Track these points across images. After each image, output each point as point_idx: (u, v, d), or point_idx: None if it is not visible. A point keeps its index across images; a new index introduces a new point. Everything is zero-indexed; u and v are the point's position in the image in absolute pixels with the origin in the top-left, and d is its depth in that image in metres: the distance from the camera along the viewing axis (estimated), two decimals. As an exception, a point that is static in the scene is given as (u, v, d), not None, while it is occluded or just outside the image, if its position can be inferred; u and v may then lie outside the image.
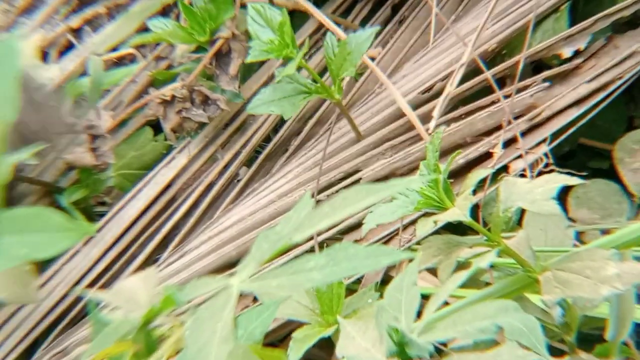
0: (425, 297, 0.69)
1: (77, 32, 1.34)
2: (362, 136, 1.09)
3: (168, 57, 1.26)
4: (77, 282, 1.04)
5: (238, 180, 1.14)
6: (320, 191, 1.07)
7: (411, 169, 1.06)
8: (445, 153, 1.04)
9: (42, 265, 1.03)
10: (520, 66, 1.05)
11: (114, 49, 1.29)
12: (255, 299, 0.95)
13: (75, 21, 1.33)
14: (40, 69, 1.02)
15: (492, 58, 1.13)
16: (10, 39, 0.62)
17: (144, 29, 1.27)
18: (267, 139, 1.18)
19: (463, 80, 1.07)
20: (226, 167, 1.15)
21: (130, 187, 1.13)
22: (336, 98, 1.03)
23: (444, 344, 0.65)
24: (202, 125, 1.16)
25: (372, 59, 1.18)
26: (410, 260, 0.75)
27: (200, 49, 1.19)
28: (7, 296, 0.90)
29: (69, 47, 1.33)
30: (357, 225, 1.03)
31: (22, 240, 0.56)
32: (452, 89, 1.06)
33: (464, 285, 0.72)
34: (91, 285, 1.01)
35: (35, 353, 1.02)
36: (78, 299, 1.03)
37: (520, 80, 1.06)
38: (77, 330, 1.02)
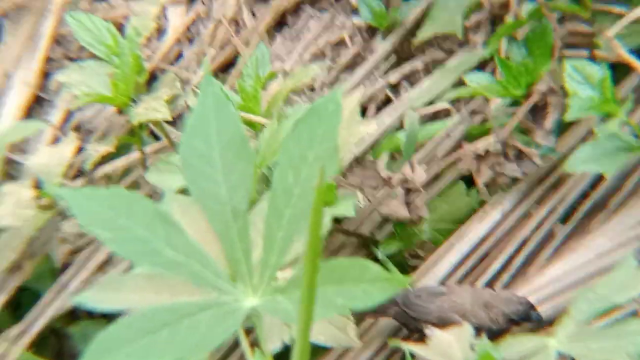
0: None
1: (394, 87, 1.39)
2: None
3: (482, 111, 1.26)
4: (394, 334, 1.06)
5: (553, 238, 1.11)
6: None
7: None
8: None
9: (359, 318, 1.06)
10: None
11: (430, 103, 1.32)
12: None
13: (394, 77, 1.38)
14: (359, 124, 1.06)
15: None
16: (334, 95, 0.66)
17: (459, 83, 1.29)
18: (584, 195, 1.14)
19: None
20: (541, 223, 1.12)
21: (443, 241, 1.14)
22: (662, 154, 0.98)
23: None
24: (515, 180, 1.14)
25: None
26: None
27: (514, 102, 1.18)
28: (325, 339, 0.93)
29: (387, 102, 1.38)
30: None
31: (339, 290, 0.58)
32: None
33: None
34: (406, 338, 1.02)
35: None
36: (394, 352, 1.05)
37: None
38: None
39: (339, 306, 0.58)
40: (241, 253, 0.64)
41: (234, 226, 0.65)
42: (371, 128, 1.12)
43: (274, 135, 1.02)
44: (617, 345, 0.54)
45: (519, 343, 0.57)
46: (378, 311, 1.02)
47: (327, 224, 0.94)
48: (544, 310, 1.01)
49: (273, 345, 0.89)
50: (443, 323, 0.98)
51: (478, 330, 0.93)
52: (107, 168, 1.31)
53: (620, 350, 0.54)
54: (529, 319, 0.96)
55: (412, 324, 1.02)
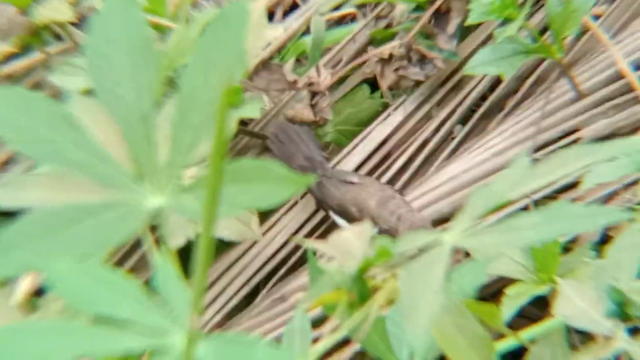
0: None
1: (302, -8, 1.38)
2: (583, 95, 1.06)
3: (388, 16, 1.27)
4: (296, 232, 1.09)
5: (452, 138, 1.14)
6: (537, 150, 1.05)
7: (635, 129, 1.02)
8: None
9: (264, 216, 1.08)
10: None
11: (336, 9, 1.32)
12: (467, 254, 0.95)
13: (301, -18, 1.37)
14: (266, 29, 1.06)
15: None
16: (241, 0, 0.65)
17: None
18: (483, 98, 1.17)
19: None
20: (441, 124, 1.15)
21: (347, 142, 1.16)
22: (557, 57, 1.01)
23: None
24: (418, 83, 1.17)
25: (598, 17, 1.14)
26: (631, 221, 0.73)
27: (419, 8, 1.20)
28: (230, 234, 0.95)
29: (294, 7, 1.38)
30: (575, 185, 0.99)
31: (245, 190, 0.58)
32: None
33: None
34: (309, 235, 1.05)
35: (256, 298, 1.07)
36: (297, 248, 1.08)
37: None
38: (295, 278, 1.06)
39: (243, 205, 0.58)
40: (147, 155, 0.63)
41: (140, 129, 0.64)
42: (277, 32, 1.12)
43: (182, 38, 1.02)
44: (509, 239, 0.56)
45: (415, 238, 0.59)
46: None
47: (232, 125, 0.95)
48: (441, 207, 1.05)
49: (177, 241, 0.90)
50: (341, 212, 1.01)
51: (379, 230, 0.96)
52: (9, 68, 1.28)
53: (511, 244, 0.56)
54: None
55: (318, 204, 1.05)
